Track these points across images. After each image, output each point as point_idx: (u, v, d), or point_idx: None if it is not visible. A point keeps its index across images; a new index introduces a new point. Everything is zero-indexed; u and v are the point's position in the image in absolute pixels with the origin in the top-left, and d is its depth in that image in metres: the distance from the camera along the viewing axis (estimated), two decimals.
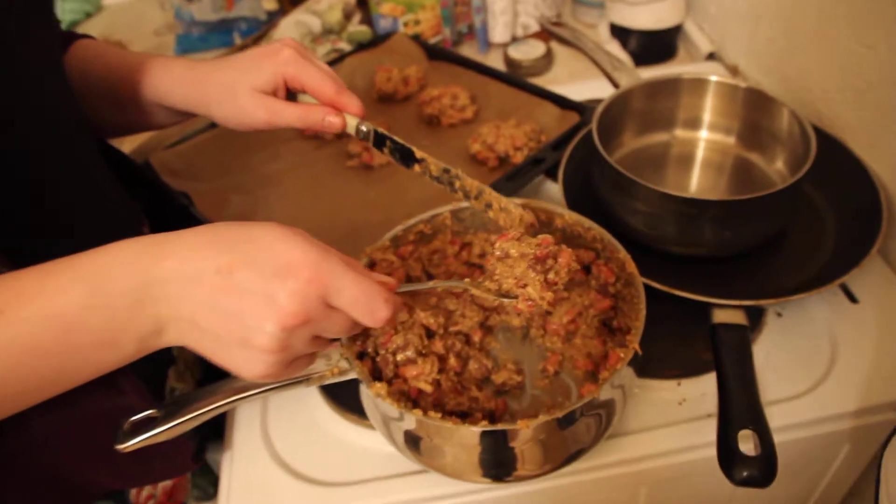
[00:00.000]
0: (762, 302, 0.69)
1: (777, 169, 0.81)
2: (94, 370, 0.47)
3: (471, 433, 0.55)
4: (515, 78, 1.04)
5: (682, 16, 1.12)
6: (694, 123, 0.87)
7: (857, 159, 0.79)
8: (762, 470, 0.54)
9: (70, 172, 0.61)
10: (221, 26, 1.45)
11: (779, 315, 0.76)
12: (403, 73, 1.09)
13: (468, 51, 1.24)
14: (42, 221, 0.58)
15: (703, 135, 0.87)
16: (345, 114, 0.66)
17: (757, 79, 1.02)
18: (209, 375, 0.82)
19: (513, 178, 0.86)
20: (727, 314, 0.68)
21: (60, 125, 0.60)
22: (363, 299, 0.48)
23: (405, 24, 1.22)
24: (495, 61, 1.20)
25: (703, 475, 0.68)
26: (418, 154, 0.67)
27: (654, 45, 1.14)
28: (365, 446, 0.70)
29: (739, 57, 1.07)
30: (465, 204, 0.72)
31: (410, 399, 0.61)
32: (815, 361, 0.72)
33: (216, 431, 0.78)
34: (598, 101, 0.97)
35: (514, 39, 1.22)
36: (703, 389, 0.70)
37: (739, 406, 0.58)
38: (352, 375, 0.60)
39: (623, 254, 0.65)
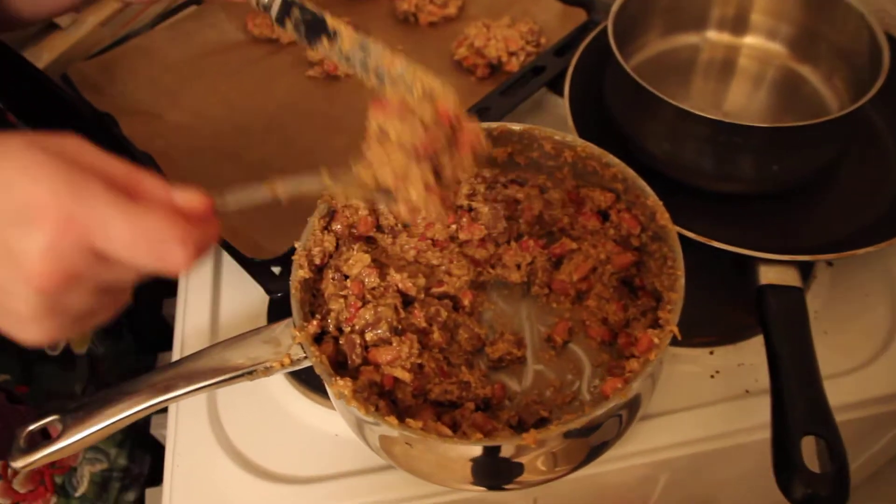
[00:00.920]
0: (827, 256, 0.56)
1: (834, 87, 0.66)
2: None
3: (463, 449, 0.43)
4: None
5: None
6: (732, 24, 0.71)
7: None
8: (832, 489, 0.43)
9: None
10: None
11: (829, 265, 0.63)
12: None
13: None
14: None
15: (744, 39, 0.71)
16: None
17: None
18: None
19: (507, 92, 0.71)
20: (778, 272, 0.54)
21: None
22: (144, 242, 0.34)
23: None
24: None
25: (736, 462, 0.57)
26: (331, 24, 0.53)
27: None
28: (334, 433, 0.58)
29: None
30: None
31: (384, 392, 0.48)
32: (873, 324, 0.59)
33: None
34: None
35: None
36: (740, 359, 0.58)
37: (800, 403, 0.46)
38: (307, 364, 0.46)
39: (653, 199, 0.51)
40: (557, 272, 0.56)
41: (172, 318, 0.73)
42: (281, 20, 0.55)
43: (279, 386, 0.61)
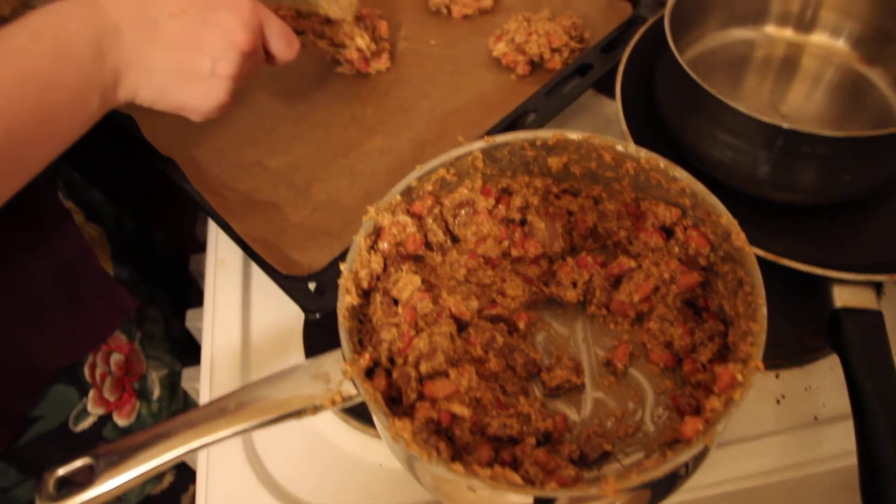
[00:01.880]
0: None
1: None
2: (70, 134, 0.49)
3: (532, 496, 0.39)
4: None
5: None
6: (795, 19, 0.66)
7: None
8: None
9: None
10: None
11: None
12: None
13: None
14: None
15: (806, 36, 0.67)
16: None
17: None
18: None
19: (553, 92, 0.67)
20: (854, 294, 0.51)
21: None
22: (284, 31, 0.57)
23: None
24: None
25: (805, 495, 0.54)
26: None
27: None
28: (377, 462, 0.54)
29: None
30: (501, 139, 0.53)
31: (441, 429, 0.44)
32: None
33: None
34: None
35: None
36: (808, 382, 0.55)
37: (890, 447, 0.42)
38: (359, 401, 0.43)
39: (726, 218, 0.47)
40: (616, 291, 0.53)
41: (199, 331, 0.70)
42: None
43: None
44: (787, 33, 0.67)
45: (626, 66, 0.66)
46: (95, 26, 0.48)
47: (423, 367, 0.45)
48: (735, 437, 0.53)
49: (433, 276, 0.52)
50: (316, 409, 0.42)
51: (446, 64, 0.76)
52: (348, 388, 0.43)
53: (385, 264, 0.50)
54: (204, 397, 0.61)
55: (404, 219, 0.51)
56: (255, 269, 0.67)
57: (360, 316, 0.48)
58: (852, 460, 0.44)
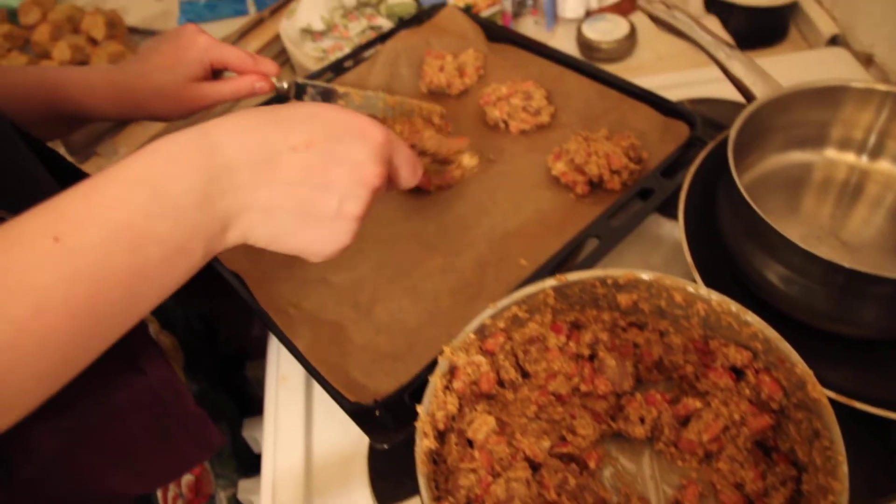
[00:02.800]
0: None
1: None
2: (165, 289, 0.44)
3: None
4: (601, 71, 0.84)
5: None
6: (858, 145, 0.68)
7: None
8: None
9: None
10: None
11: None
12: (458, 60, 0.89)
13: (530, 27, 1.03)
14: None
15: (869, 162, 0.68)
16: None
17: None
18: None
19: (615, 215, 0.68)
20: None
21: None
22: (412, 158, 0.53)
23: None
24: (564, 40, 1.00)
25: None
26: (341, 90, 0.76)
27: (761, 25, 0.94)
28: None
29: (876, 43, 0.86)
30: (573, 277, 0.54)
31: None
32: None
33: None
34: (702, 102, 0.78)
35: (589, 14, 1.01)
36: None
37: None
38: None
39: (801, 368, 0.48)
40: (685, 429, 0.53)
41: (255, 441, 0.70)
42: (300, 97, 0.75)
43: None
44: (850, 157, 0.69)
45: (687, 192, 0.67)
46: (203, 168, 0.43)
47: None
48: None
49: (505, 413, 0.52)
50: None
51: (505, 180, 0.77)
52: None
53: (460, 404, 0.50)
54: None
55: (478, 358, 0.52)
56: (318, 388, 0.68)
57: (435, 456, 0.49)
58: None
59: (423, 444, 0.47)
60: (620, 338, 0.57)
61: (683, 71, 0.91)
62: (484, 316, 0.53)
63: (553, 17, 1.02)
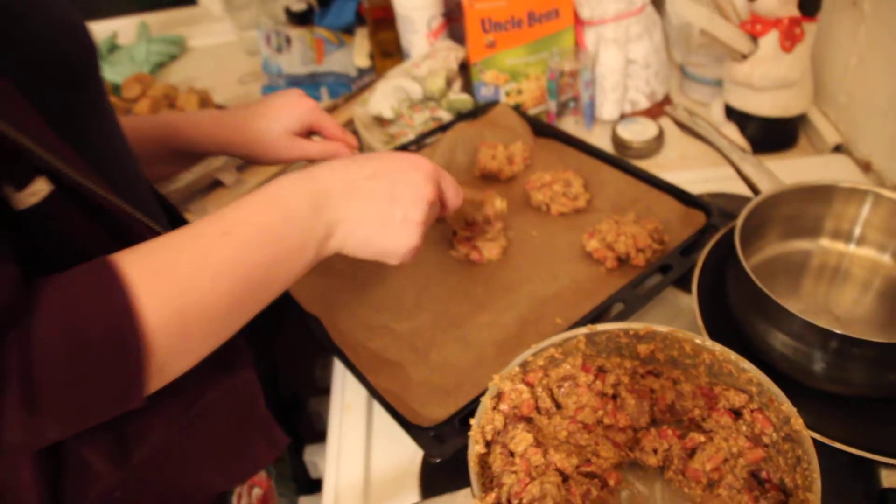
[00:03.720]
0: None
1: None
2: (290, 277, 0.60)
3: None
4: (631, 165, 0.98)
5: (807, 104, 1.05)
6: (845, 235, 0.79)
7: None
8: None
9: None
10: (309, 80, 1.42)
11: None
12: (508, 150, 1.04)
13: (571, 125, 1.18)
14: None
15: (853, 248, 0.80)
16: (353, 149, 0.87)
17: (892, 174, 0.94)
18: None
19: (639, 287, 0.80)
20: None
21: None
22: (453, 183, 0.72)
23: (507, 94, 1.17)
24: (600, 138, 1.14)
25: None
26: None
27: (774, 133, 1.07)
28: None
29: (873, 151, 0.99)
30: (601, 327, 0.66)
31: None
32: None
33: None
34: (718, 196, 0.90)
35: (623, 116, 1.16)
36: None
37: None
38: None
39: (787, 406, 0.58)
40: (691, 460, 0.63)
41: (314, 465, 0.81)
42: None
43: None
44: (840, 246, 0.80)
45: (701, 269, 0.79)
46: (312, 191, 0.60)
47: None
48: None
49: (540, 434, 0.63)
50: None
51: (545, 254, 0.90)
52: None
53: (505, 423, 0.62)
54: None
55: (521, 387, 0.63)
56: (377, 415, 0.79)
57: (482, 462, 0.59)
58: None
59: (475, 448, 0.58)
60: (640, 383, 0.68)
61: (703, 169, 1.04)
62: (527, 354, 0.65)
63: (592, 118, 1.17)
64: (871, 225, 0.77)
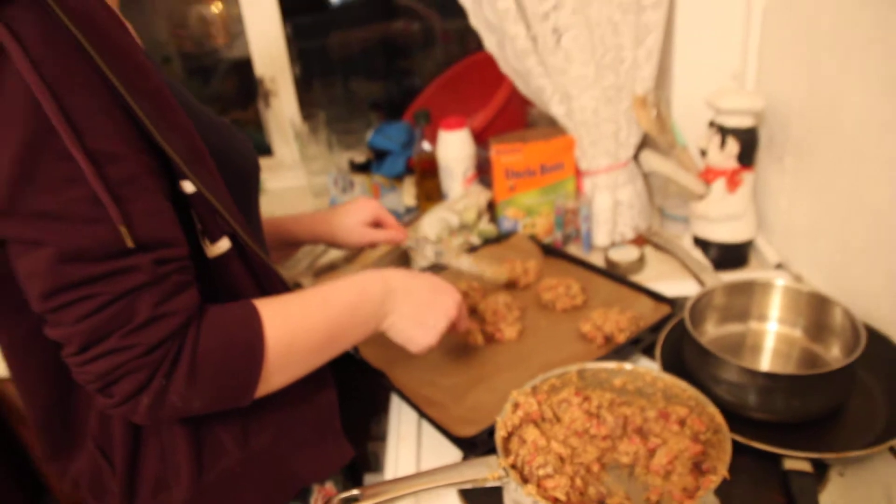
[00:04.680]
0: (822, 455, 0.87)
1: (835, 356, 1.01)
2: (356, 339, 0.90)
3: None
4: (617, 275, 1.30)
5: (753, 232, 1.38)
6: (766, 318, 1.09)
7: None
8: None
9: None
10: None
11: (841, 475, 0.93)
12: (525, 265, 1.36)
13: (574, 250, 1.51)
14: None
15: (774, 328, 1.09)
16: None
17: (817, 285, 1.24)
18: None
19: (617, 353, 1.09)
20: (796, 463, 0.86)
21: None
22: (465, 314, 1.04)
23: (524, 226, 1.51)
24: (597, 260, 1.46)
25: None
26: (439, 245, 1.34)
27: (730, 255, 1.39)
28: None
29: (802, 268, 1.30)
30: (589, 366, 0.95)
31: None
32: None
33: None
34: (684, 298, 1.20)
35: (613, 244, 1.49)
36: None
37: None
38: (507, 480, 0.80)
39: (712, 408, 0.86)
40: (652, 459, 0.89)
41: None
42: (418, 243, 1.32)
43: None
44: (763, 326, 1.10)
45: (663, 341, 1.08)
46: (382, 287, 0.91)
47: (541, 471, 0.82)
48: None
49: (544, 438, 0.90)
50: (484, 480, 0.79)
51: (551, 336, 1.20)
52: (500, 472, 0.80)
53: (520, 422, 0.89)
54: None
55: (531, 400, 0.91)
56: (425, 445, 1.05)
57: (504, 445, 0.86)
58: None
59: (500, 433, 0.85)
60: (617, 411, 0.95)
61: (674, 281, 1.34)
62: (536, 380, 0.93)
63: (589, 245, 1.50)
64: (783, 308, 1.07)
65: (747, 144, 1.29)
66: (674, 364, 1.05)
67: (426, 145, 1.66)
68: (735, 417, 0.94)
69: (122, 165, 0.67)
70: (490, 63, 1.56)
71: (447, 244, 1.43)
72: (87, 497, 0.90)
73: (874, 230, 1.07)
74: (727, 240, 1.37)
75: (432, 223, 1.46)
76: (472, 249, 1.43)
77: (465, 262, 1.28)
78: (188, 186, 0.74)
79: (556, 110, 1.43)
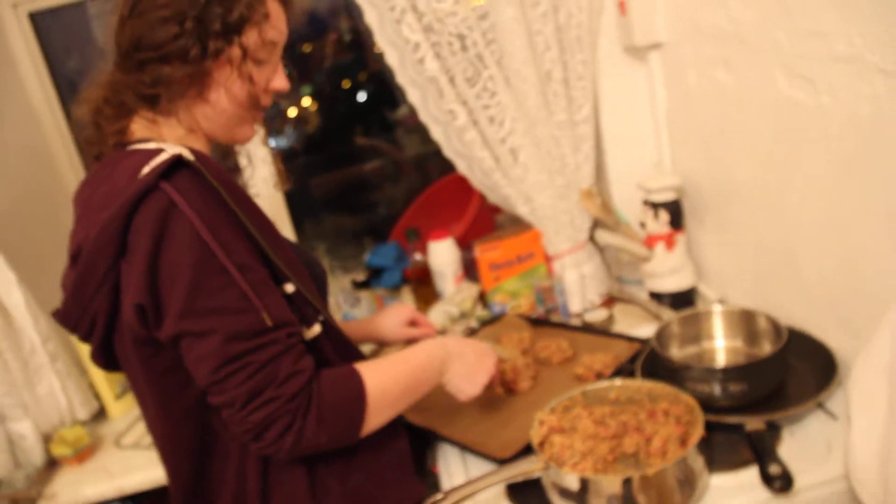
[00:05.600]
0: (771, 416, 1.18)
1: (767, 351, 1.35)
2: (425, 390, 1.18)
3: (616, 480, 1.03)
4: (597, 330, 1.63)
5: (694, 279, 1.73)
6: (713, 337, 1.43)
7: (818, 341, 1.32)
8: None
9: None
10: None
11: (791, 434, 1.23)
12: (519, 334, 1.67)
13: (555, 317, 1.84)
14: None
15: (721, 343, 1.42)
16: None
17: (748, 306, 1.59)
18: None
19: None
20: (754, 424, 1.17)
21: None
22: (497, 376, 1.32)
23: (511, 307, 1.84)
24: (576, 323, 1.79)
25: None
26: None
27: (680, 302, 1.73)
28: None
29: (734, 297, 1.65)
30: (589, 386, 1.26)
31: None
32: (818, 458, 1.18)
33: None
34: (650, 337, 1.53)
35: (586, 309, 1.83)
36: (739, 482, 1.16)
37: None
38: (548, 465, 1.09)
39: (685, 396, 1.17)
40: (650, 445, 1.19)
41: None
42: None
43: None
44: (713, 343, 1.43)
45: (640, 368, 1.40)
46: (443, 352, 1.20)
47: (571, 460, 1.11)
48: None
49: (568, 440, 1.19)
50: (530, 473, 1.08)
51: (553, 384, 1.50)
52: (542, 464, 1.09)
53: (546, 433, 1.18)
54: None
55: (552, 417, 1.21)
56: (472, 466, 1.32)
57: (539, 450, 1.15)
58: None
59: (535, 441, 1.14)
60: (617, 418, 1.25)
61: (641, 327, 1.68)
62: (552, 403, 1.24)
63: (567, 313, 1.83)
64: (724, 327, 1.41)
65: (674, 212, 1.67)
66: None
67: (418, 256, 2.00)
68: (705, 408, 1.25)
69: (255, 273, 0.99)
70: (455, 184, 1.95)
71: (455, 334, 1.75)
72: None
73: (780, 257, 1.43)
74: (675, 289, 1.72)
75: (437, 315, 1.78)
76: (472, 332, 1.74)
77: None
78: (289, 287, 1.06)
79: (522, 210, 1.80)
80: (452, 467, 1.35)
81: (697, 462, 1.11)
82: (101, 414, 1.95)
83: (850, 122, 1.12)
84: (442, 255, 1.93)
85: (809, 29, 1.16)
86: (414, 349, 1.20)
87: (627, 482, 1.04)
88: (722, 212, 1.61)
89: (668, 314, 1.49)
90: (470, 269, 1.98)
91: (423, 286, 2.01)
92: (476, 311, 1.83)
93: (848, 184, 1.17)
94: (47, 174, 2.22)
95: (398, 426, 1.22)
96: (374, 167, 2.86)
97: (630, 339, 1.56)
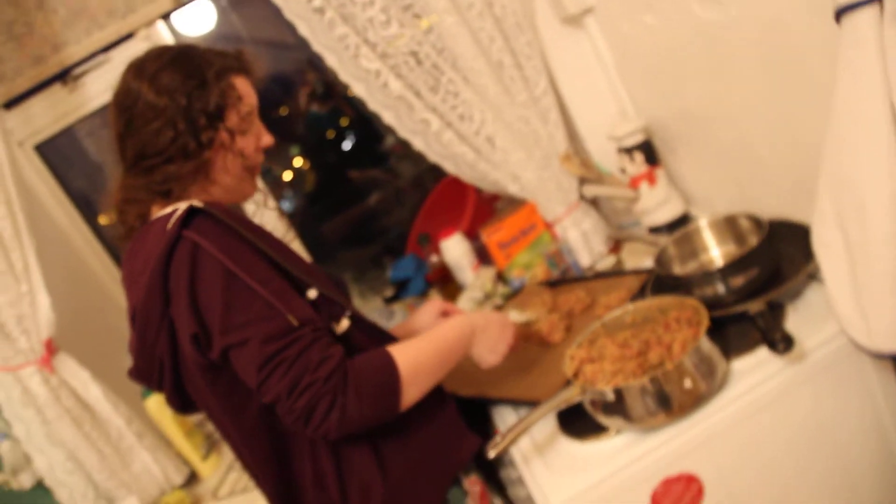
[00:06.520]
0: (767, 296, 1.32)
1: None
2: (456, 361, 1.30)
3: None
4: (606, 273, 1.77)
5: (683, 206, 1.87)
6: (707, 248, 1.57)
7: (798, 224, 1.46)
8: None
9: None
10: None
11: (795, 310, 1.37)
12: (542, 297, 1.82)
13: (570, 276, 1.98)
14: None
15: (716, 252, 1.57)
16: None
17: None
18: None
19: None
20: (756, 306, 1.31)
21: None
22: (515, 338, 1.42)
23: (529, 278, 1.99)
24: (589, 275, 1.94)
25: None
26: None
27: (677, 227, 1.87)
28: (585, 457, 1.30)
29: (722, 209, 1.79)
30: (606, 317, 1.41)
31: None
32: (821, 323, 1.31)
33: None
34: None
35: (595, 261, 1.97)
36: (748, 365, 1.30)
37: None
38: (586, 387, 1.24)
39: (690, 300, 1.32)
40: (670, 351, 1.32)
41: None
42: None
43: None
44: (710, 254, 1.57)
45: (650, 293, 1.54)
46: (470, 327, 1.33)
47: (603, 380, 1.26)
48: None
49: (598, 366, 1.33)
50: (572, 399, 1.23)
51: (581, 331, 1.65)
52: (580, 389, 1.24)
53: (579, 364, 1.33)
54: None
55: (580, 351, 1.36)
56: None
57: (574, 380, 1.30)
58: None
59: (569, 373, 1.29)
60: (638, 337, 1.39)
61: (645, 261, 1.82)
62: (578, 339, 1.38)
63: (579, 268, 1.98)
64: (713, 236, 1.55)
65: (647, 151, 1.82)
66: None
67: (434, 258, 2.16)
68: (716, 307, 1.38)
69: (275, 283, 1.16)
70: (451, 185, 2.11)
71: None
72: None
73: (744, 158, 1.57)
74: (669, 218, 1.86)
75: (465, 304, 1.93)
76: (499, 307, 1.89)
77: (514, 316, 1.73)
78: (312, 293, 1.22)
79: (513, 189, 1.95)
80: (511, 423, 1.50)
81: (714, 352, 1.25)
82: (192, 478, 2.12)
83: (761, 26, 1.28)
84: (455, 249, 2.09)
85: None
86: (444, 326, 1.34)
87: (654, 380, 1.18)
88: (688, 137, 1.76)
89: (663, 240, 1.63)
90: (483, 255, 2.14)
91: (447, 283, 2.17)
92: (498, 290, 1.99)
93: (777, 75, 1.32)
94: (88, 282, 2.42)
95: (443, 396, 1.36)
96: (378, 198, 3.05)
97: (637, 272, 1.70)
